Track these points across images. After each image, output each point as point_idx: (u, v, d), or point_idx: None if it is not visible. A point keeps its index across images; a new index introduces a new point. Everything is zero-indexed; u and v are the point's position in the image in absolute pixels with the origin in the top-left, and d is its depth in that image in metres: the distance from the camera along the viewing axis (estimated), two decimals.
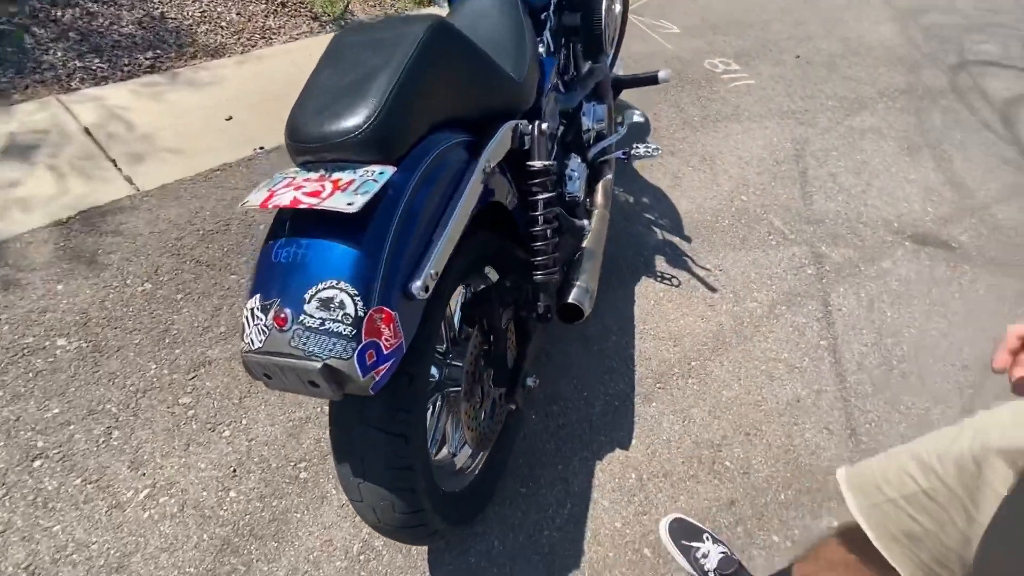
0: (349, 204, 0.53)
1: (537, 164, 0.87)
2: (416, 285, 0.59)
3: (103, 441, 1.07)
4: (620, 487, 1.21)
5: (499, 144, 0.79)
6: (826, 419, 1.48)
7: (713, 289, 1.73)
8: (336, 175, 0.58)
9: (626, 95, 2.24)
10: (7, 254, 1.30)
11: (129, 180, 1.56)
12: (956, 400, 1.64)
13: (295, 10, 2.49)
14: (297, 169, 0.63)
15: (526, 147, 0.87)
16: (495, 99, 0.82)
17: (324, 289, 0.55)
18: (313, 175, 0.59)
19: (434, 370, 0.87)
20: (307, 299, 0.55)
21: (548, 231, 0.91)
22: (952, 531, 0.61)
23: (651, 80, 1.58)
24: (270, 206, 0.57)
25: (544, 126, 0.87)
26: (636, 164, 2.14)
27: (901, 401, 1.59)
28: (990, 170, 2.83)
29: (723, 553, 1.10)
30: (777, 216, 2.10)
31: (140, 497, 1.02)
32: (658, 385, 1.43)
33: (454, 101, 0.73)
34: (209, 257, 1.43)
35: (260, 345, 0.56)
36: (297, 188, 0.57)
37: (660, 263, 1.77)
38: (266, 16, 2.40)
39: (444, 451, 0.97)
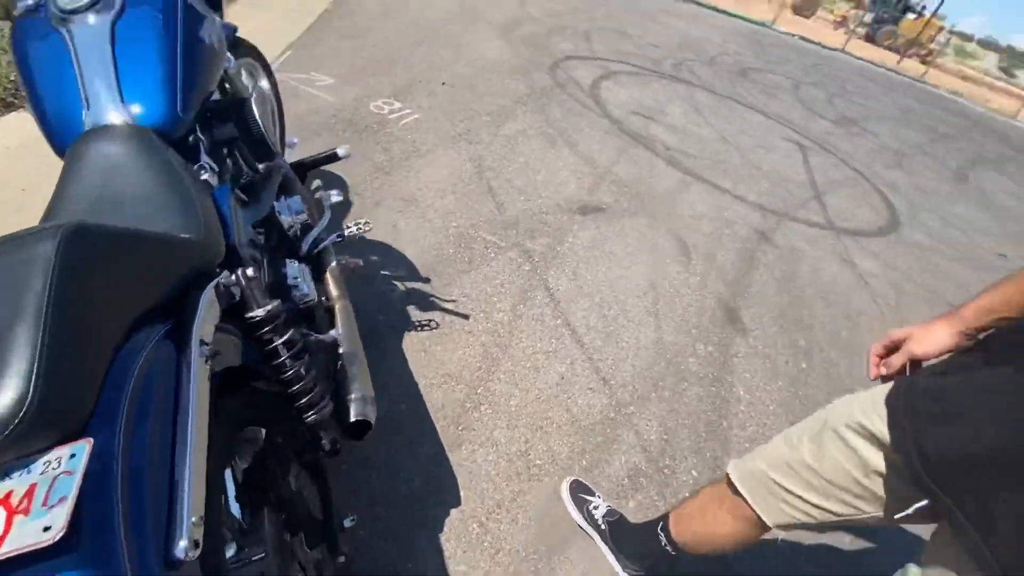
0: (45, 530, 0.40)
1: (259, 313, 0.81)
2: (180, 547, 0.50)
3: None
4: (468, 543, 1.27)
5: (206, 315, 0.70)
6: (584, 382, 1.83)
7: (465, 316, 1.91)
8: (4, 486, 0.43)
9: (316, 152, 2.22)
10: None
11: None
12: (650, 320, 2.23)
13: None
14: None
15: (236, 299, 0.80)
16: (178, 272, 0.71)
17: None
18: None
19: None
20: None
21: (300, 369, 0.86)
22: (809, 490, 0.88)
23: (332, 158, 1.60)
24: None
25: (249, 271, 0.81)
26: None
27: (620, 338, 2.08)
28: (601, 141, 3.82)
29: (608, 506, 1.37)
30: (485, 231, 2.41)
31: None
32: (460, 428, 1.53)
33: (130, 304, 0.61)
34: None
35: None
36: None
37: (413, 313, 1.85)
38: None
39: None
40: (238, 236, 0.97)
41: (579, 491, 1.43)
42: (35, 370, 0.45)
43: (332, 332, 1.15)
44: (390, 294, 1.90)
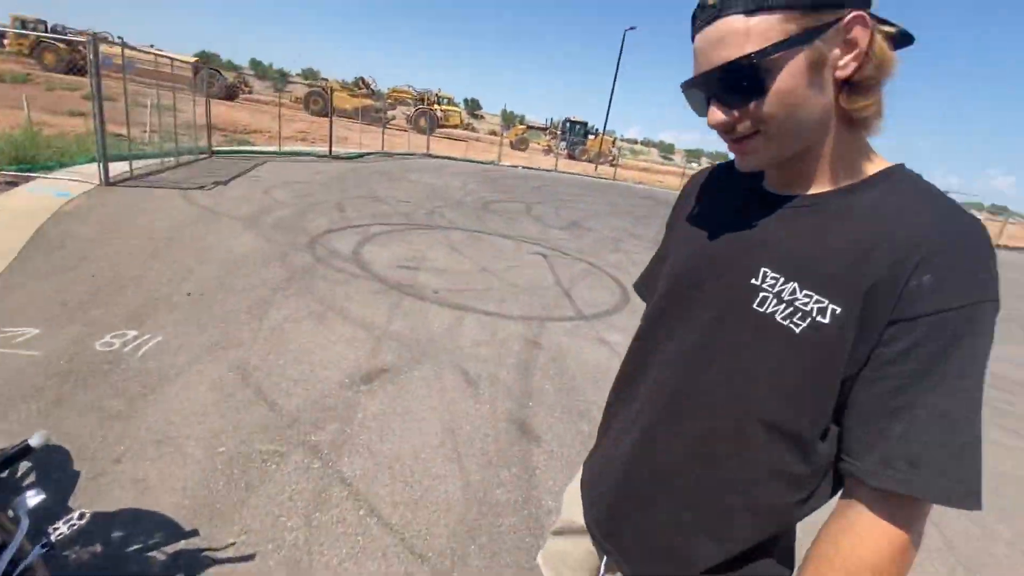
0: None
1: None
2: None
3: None
4: None
5: None
6: (401, 569, 1.76)
7: (250, 558, 1.68)
8: None
9: (41, 428, 1.83)
10: None
11: None
12: (453, 467, 2.29)
13: None
14: None
15: None
16: None
17: None
18: None
19: None
20: None
21: None
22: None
23: (24, 452, 1.36)
24: None
25: None
26: (83, 503, 1.78)
27: (428, 501, 2.07)
28: (372, 303, 4.01)
29: None
30: (261, 441, 2.25)
31: None
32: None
33: None
34: None
35: None
36: None
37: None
38: None
39: None
40: None
41: None
42: None
43: None
44: (147, 573, 1.59)
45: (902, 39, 0.61)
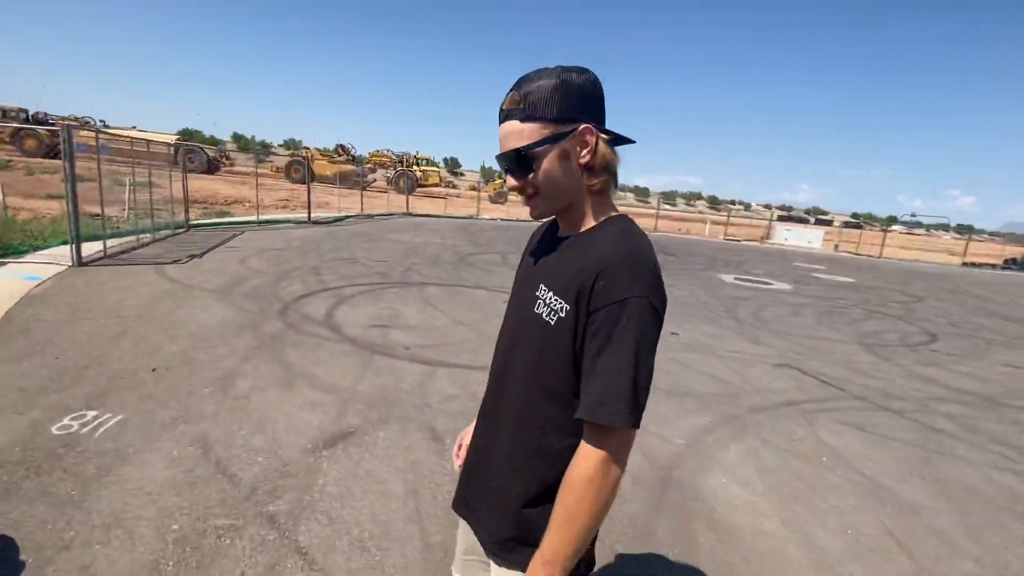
0: None
1: None
2: None
3: None
4: None
5: None
6: None
7: None
8: None
9: None
10: None
11: None
12: (414, 529, 2.27)
13: None
14: None
15: None
16: None
17: None
18: None
19: None
20: None
21: None
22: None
23: None
24: None
25: None
26: None
27: (387, 565, 2.04)
28: (341, 366, 4.01)
29: None
30: (217, 516, 2.21)
31: None
32: None
33: None
34: None
35: None
36: None
37: None
38: None
39: None
40: None
41: None
42: None
43: None
44: None
45: (622, 140, 0.95)
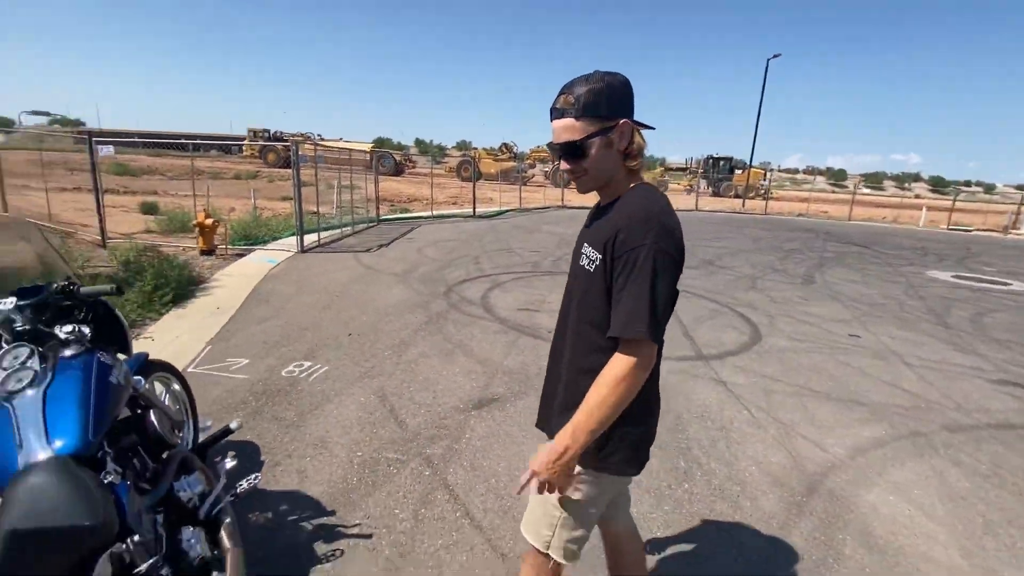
0: None
1: (143, 567, 1.11)
2: None
3: None
4: None
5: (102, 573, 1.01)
6: (484, 562, 2.01)
7: (368, 536, 2.11)
8: None
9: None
10: None
11: None
12: None
13: None
14: None
15: (127, 562, 1.10)
16: (79, 551, 1.03)
17: None
18: None
19: None
20: None
21: None
22: None
23: (226, 432, 1.99)
24: None
25: (136, 537, 1.13)
26: (262, 484, 2.40)
27: (516, 511, 2.30)
28: (492, 341, 4.46)
29: None
30: (389, 451, 2.73)
31: None
32: None
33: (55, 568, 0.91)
34: None
35: None
36: None
37: (319, 548, 2.02)
38: None
39: None
40: (132, 517, 1.28)
41: None
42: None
43: None
44: (297, 536, 2.09)
45: (645, 127, 1.22)
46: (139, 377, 1.95)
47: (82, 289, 1.59)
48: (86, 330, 1.65)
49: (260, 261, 7.32)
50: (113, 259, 5.76)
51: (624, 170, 1.22)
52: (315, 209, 9.48)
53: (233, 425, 1.97)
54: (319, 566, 1.94)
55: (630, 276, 1.12)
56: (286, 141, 24.36)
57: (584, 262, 1.25)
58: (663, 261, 1.11)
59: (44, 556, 0.91)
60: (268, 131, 33.47)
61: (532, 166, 36.75)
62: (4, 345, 1.48)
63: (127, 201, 12.43)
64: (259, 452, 2.67)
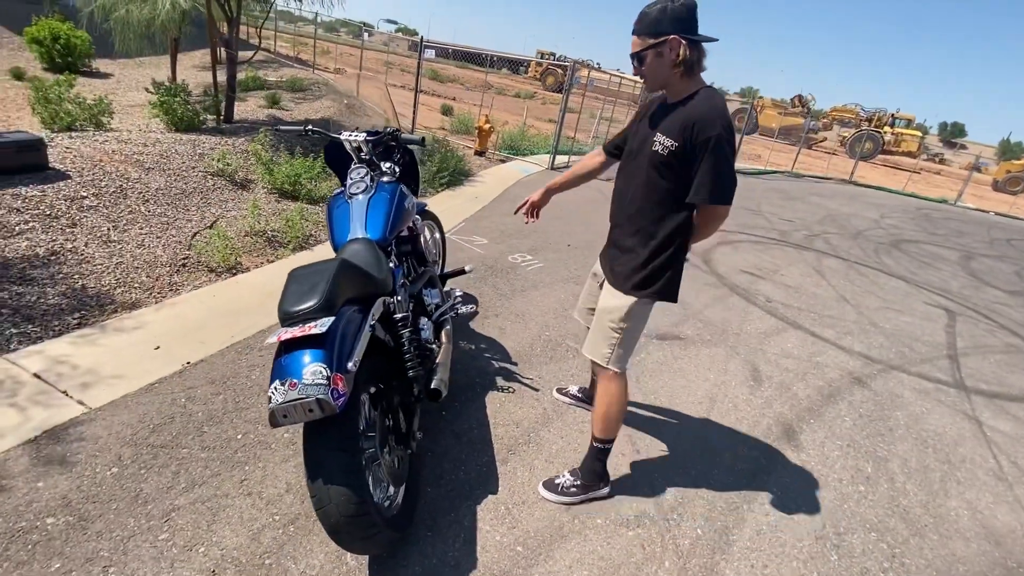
0: (318, 328, 1.27)
1: (399, 315, 1.70)
2: (350, 364, 1.31)
3: None
4: (496, 516, 1.80)
5: (377, 308, 1.60)
6: (622, 455, 2.27)
7: (536, 389, 2.57)
8: (308, 324, 1.32)
9: (462, 283, 3.30)
10: None
11: (81, 403, 1.95)
12: (697, 423, 2.58)
13: (194, 267, 3.22)
14: (283, 329, 1.34)
15: (391, 311, 1.70)
16: (371, 288, 1.64)
17: (312, 366, 1.24)
18: (295, 328, 1.31)
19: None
20: (304, 374, 1.23)
21: (412, 347, 1.70)
22: (589, 303, 2.17)
23: (461, 272, 2.64)
24: (281, 339, 1.27)
25: (398, 298, 1.72)
26: (474, 325, 3.08)
27: (665, 426, 2.47)
28: (698, 290, 4.38)
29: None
30: (571, 340, 3.13)
31: None
32: (511, 452, 2.12)
33: (353, 290, 1.52)
34: (161, 441, 1.85)
35: (282, 399, 1.20)
36: (287, 333, 1.29)
37: (499, 381, 2.58)
38: (171, 275, 3.08)
39: (377, 491, 1.53)
40: (398, 288, 1.90)
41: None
42: (323, 293, 1.36)
43: (435, 346, 1.98)
44: (486, 366, 2.68)
45: (708, 39, 1.56)
46: (417, 216, 2.68)
47: (402, 136, 2.25)
48: (397, 168, 2.35)
49: (516, 169, 8.30)
50: None
51: (678, 75, 1.57)
52: (572, 134, 10.05)
53: (468, 268, 2.60)
54: (496, 392, 2.49)
55: (706, 158, 1.52)
56: (566, 64, 25.45)
57: (656, 147, 1.60)
58: (729, 146, 1.52)
59: (354, 279, 1.51)
60: (553, 55, 35.33)
61: (827, 127, 30.86)
62: (354, 165, 2.24)
63: (432, 102, 15.08)
64: (477, 303, 3.36)
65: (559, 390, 2.55)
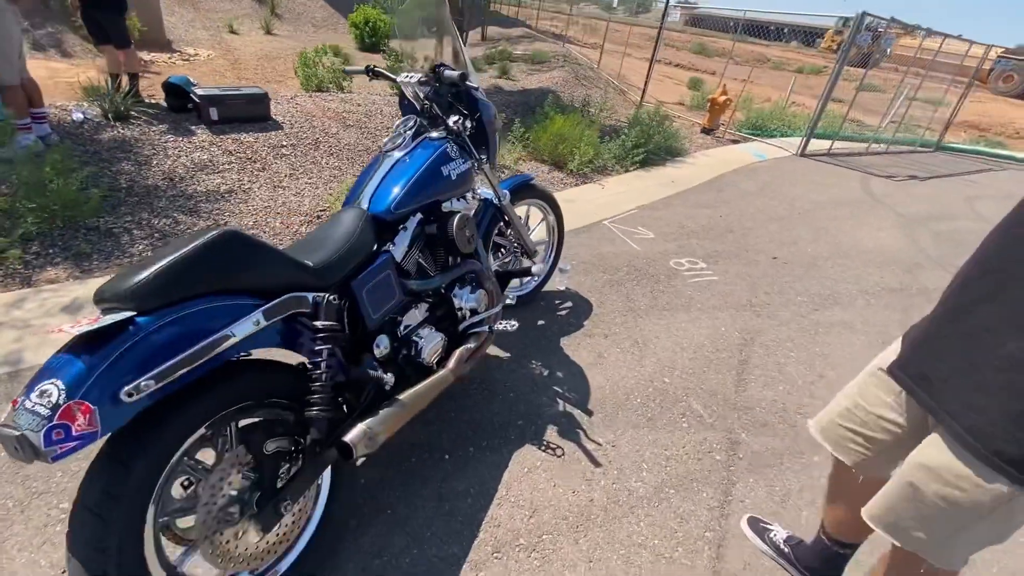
0: (98, 325, 0.83)
1: (319, 324, 1.15)
2: (126, 389, 0.84)
3: None
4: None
5: (282, 307, 1.08)
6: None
7: (597, 464, 1.73)
8: (95, 317, 0.89)
9: (587, 284, 2.57)
10: None
11: None
12: None
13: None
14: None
15: (316, 315, 1.16)
16: (285, 280, 1.12)
17: (46, 383, 0.81)
18: (86, 319, 0.89)
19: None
20: (35, 389, 0.81)
21: (323, 376, 1.13)
22: (870, 427, 1.12)
23: (527, 272, 1.91)
24: (60, 330, 0.88)
25: (332, 298, 1.17)
26: (562, 342, 2.33)
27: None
28: None
29: (787, 532, 1.52)
30: (698, 400, 2.10)
31: None
32: (495, 554, 1.40)
33: (240, 280, 1.03)
34: None
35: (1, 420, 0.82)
36: (74, 325, 0.88)
37: (549, 433, 1.82)
38: (302, 224, 3.19)
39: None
40: (358, 281, 1.35)
41: (758, 523, 1.56)
42: (145, 277, 0.90)
43: (385, 375, 1.37)
44: (546, 407, 1.94)
45: None
46: (506, 191, 2.04)
47: (445, 72, 1.64)
48: (468, 124, 1.76)
49: (748, 152, 6.67)
50: (633, 117, 6.43)
51: None
52: (850, 114, 7.63)
53: (535, 269, 1.88)
54: (535, 450, 1.75)
55: None
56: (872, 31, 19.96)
57: None
58: None
59: (243, 262, 1.01)
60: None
61: None
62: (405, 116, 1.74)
63: (683, 75, 13.55)
64: (587, 314, 2.56)
65: (751, 522, 1.58)
